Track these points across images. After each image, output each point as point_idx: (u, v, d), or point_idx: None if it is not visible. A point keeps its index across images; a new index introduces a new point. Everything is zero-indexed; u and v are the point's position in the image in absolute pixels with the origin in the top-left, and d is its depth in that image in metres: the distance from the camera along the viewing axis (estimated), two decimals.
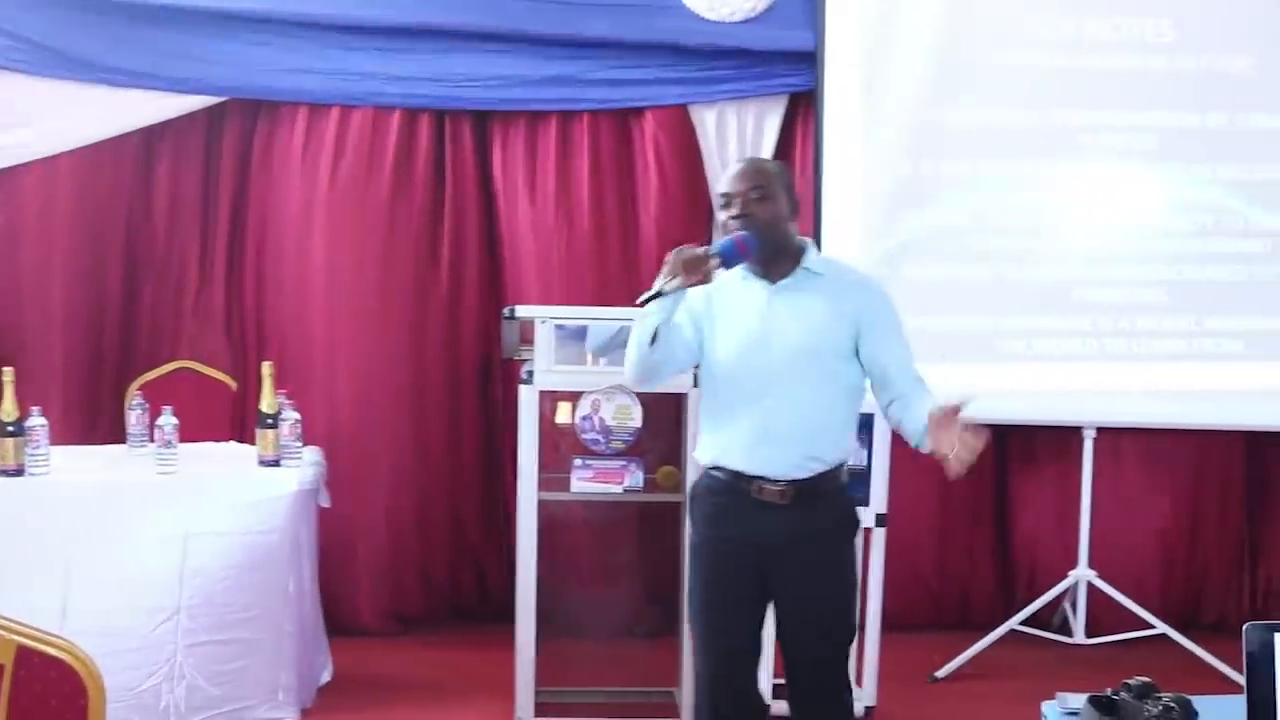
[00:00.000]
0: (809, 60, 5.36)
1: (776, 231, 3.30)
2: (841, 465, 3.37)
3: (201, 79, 5.37)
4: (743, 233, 3.23)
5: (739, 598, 3.36)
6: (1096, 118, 5.24)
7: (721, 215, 3.36)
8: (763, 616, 3.39)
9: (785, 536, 3.29)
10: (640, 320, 3.23)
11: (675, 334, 3.28)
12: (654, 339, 3.21)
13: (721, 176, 3.44)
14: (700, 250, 3.20)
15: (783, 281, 3.32)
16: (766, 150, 5.52)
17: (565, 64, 5.46)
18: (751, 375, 3.29)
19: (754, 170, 3.35)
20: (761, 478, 3.29)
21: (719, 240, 3.26)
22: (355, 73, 5.43)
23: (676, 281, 3.14)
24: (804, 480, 3.29)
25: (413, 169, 5.55)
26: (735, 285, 3.35)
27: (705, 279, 3.18)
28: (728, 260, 3.21)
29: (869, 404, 4.39)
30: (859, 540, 3.50)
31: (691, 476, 3.83)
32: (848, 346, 3.31)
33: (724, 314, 3.36)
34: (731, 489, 3.33)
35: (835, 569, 3.36)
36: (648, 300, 3.15)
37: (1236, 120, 5.23)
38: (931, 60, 5.26)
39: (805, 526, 3.29)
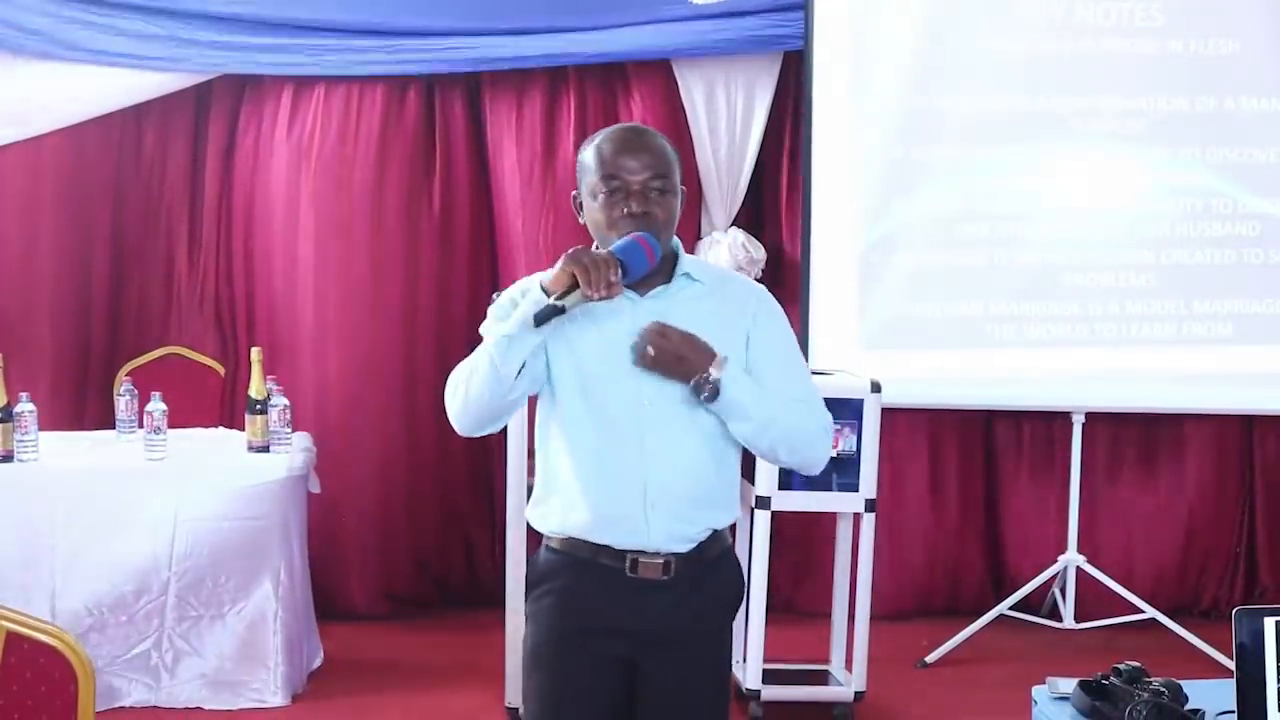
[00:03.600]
0: (796, 49, 5.33)
1: (670, 236, 2.56)
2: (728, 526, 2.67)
3: (186, 59, 5.30)
4: (644, 233, 2.46)
5: (602, 705, 2.60)
6: (1086, 102, 5.23)
7: (598, 205, 2.52)
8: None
9: (666, 622, 2.56)
10: (501, 347, 2.47)
11: (534, 361, 2.51)
12: (520, 370, 2.48)
13: (598, 142, 2.55)
14: (604, 254, 2.43)
15: (656, 291, 2.54)
16: (757, 128, 5.47)
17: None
18: (621, 416, 2.53)
19: (658, 153, 2.53)
20: (638, 551, 2.54)
21: (617, 241, 2.47)
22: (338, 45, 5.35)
23: (577, 295, 2.39)
24: (690, 551, 2.57)
25: (400, 149, 5.49)
26: None
27: (610, 292, 2.39)
28: (631, 270, 2.43)
29: (858, 389, 4.44)
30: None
31: None
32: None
33: (577, 333, 2.53)
34: (593, 567, 2.57)
35: (714, 661, 2.67)
36: (546, 318, 2.40)
37: (1225, 104, 5.22)
38: (921, 45, 5.24)
39: (690, 608, 2.58)
